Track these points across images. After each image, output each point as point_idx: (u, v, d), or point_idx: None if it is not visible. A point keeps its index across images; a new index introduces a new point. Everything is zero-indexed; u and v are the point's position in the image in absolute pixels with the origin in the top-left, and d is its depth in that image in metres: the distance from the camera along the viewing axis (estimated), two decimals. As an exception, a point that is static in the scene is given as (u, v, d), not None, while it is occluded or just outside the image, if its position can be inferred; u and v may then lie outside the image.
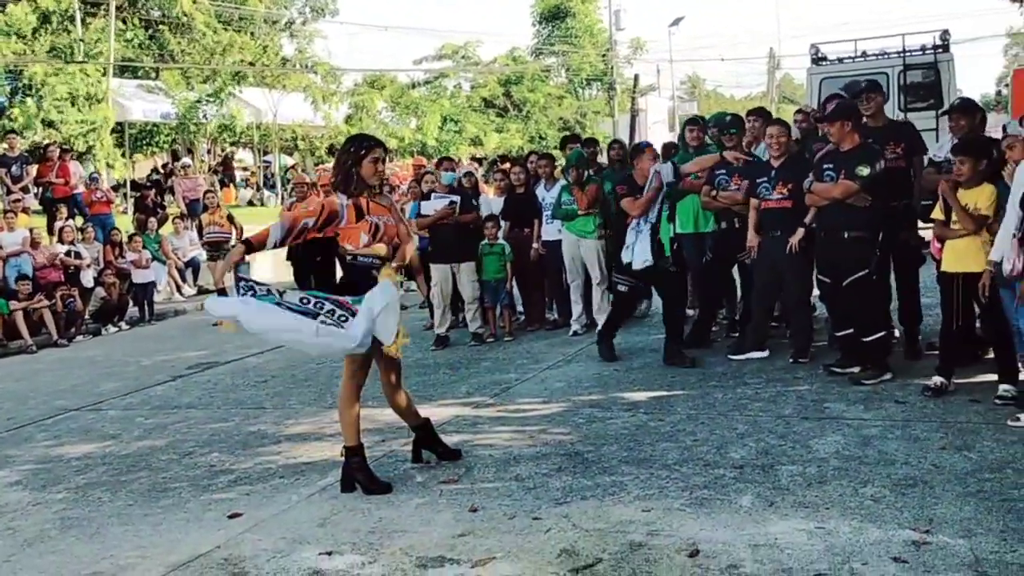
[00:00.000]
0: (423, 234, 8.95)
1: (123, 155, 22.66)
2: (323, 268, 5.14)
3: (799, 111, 8.71)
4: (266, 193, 25.86)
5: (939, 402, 5.71)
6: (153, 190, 18.67)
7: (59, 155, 15.79)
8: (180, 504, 5.00)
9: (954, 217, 5.72)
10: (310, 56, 30.05)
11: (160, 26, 26.75)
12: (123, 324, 12.77)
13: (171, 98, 23.48)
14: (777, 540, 3.85)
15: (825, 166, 6.41)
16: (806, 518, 4.06)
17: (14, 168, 15.15)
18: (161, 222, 16.22)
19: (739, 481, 4.60)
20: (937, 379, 5.87)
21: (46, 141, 18.21)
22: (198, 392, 7.98)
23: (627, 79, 37.82)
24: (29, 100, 19.75)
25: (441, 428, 5.65)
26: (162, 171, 24.19)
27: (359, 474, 4.88)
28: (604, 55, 39.00)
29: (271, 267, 13.64)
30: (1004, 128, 6.74)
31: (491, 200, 10.00)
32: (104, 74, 22.31)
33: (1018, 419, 5.14)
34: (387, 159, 5.35)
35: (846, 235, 6.28)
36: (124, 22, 25.35)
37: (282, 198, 23.26)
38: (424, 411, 5.41)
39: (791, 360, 6.95)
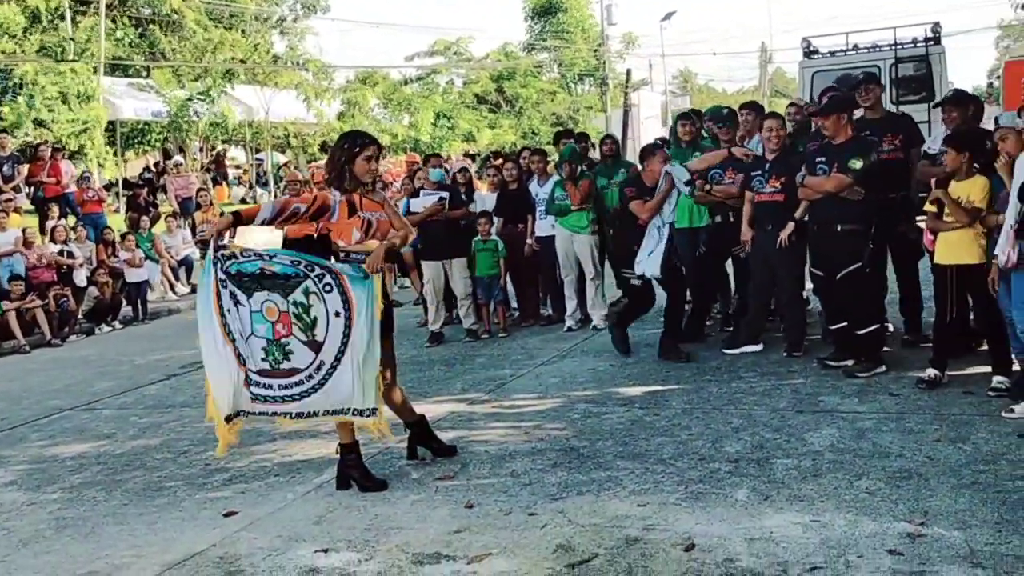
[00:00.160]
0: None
1: (114, 154, 22.55)
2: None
3: (792, 104, 8.72)
4: (259, 191, 25.79)
5: (933, 394, 5.72)
6: (145, 189, 18.58)
7: (51, 154, 15.72)
8: (175, 503, 4.99)
9: (947, 209, 5.73)
10: (302, 53, 29.88)
11: (150, 24, 26.63)
12: (116, 323, 12.75)
13: (162, 96, 23.37)
14: (772, 533, 3.86)
15: (818, 159, 6.41)
16: (801, 511, 4.07)
17: (5, 168, 15.05)
18: (154, 221, 16.17)
19: (734, 475, 4.60)
20: (931, 371, 5.88)
21: (37, 140, 18.13)
22: (192, 391, 7.94)
23: (619, 74, 37.73)
24: (20, 99, 19.64)
25: (436, 424, 5.65)
26: (154, 170, 24.09)
27: (354, 471, 4.89)
28: (596, 50, 38.97)
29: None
30: (996, 120, 6.75)
31: (484, 196, 10.00)
32: (95, 73, 22.23)
33: (1012, 411, 5.16)
34: (380, 156, 5.35)
35: (839, 228, 6.28)
36: (114, 21, 25.22)
37: (275, 196, 23.21)
38: (419, 408, 5.41)
39: (785, 354, 6.96)
